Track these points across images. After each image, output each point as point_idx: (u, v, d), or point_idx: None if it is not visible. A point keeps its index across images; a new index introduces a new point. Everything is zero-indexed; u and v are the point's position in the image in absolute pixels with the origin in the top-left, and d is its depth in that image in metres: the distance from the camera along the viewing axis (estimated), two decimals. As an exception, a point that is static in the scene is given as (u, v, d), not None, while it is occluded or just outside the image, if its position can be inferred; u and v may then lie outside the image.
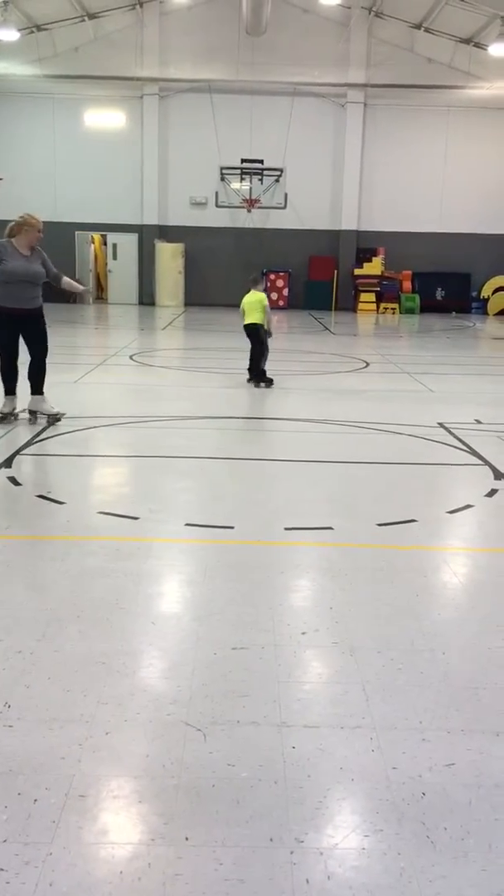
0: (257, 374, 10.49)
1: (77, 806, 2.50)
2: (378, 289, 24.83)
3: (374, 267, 24.74)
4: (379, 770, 2.71)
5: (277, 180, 23.76)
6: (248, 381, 10.55)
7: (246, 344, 10.67)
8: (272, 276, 24.92)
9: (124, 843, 2.36)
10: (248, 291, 10.58)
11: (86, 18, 22.93)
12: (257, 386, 10.41)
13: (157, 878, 2.23)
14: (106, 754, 2.76)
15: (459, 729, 2.97)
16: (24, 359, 7.91)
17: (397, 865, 2.30)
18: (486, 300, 25.08)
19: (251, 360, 10.57)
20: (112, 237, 25.58)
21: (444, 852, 2.35)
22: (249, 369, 10.60)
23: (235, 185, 23.86)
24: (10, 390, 7.91)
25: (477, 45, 22.68)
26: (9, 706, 3.02)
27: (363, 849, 2.36)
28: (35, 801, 2.52)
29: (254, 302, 10.42)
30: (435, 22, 22.46)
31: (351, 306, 25.06)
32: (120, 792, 2.58)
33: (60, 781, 2.61)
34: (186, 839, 2.37)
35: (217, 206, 24.05)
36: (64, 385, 10.34)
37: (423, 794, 2.60)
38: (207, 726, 2.93)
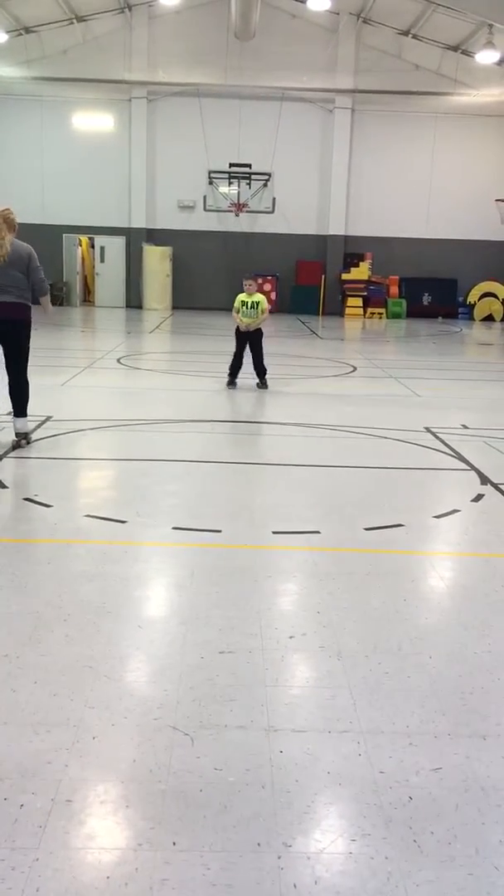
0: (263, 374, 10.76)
1: (64, 811, 2.49)
2: (365, 294, 24.92)
3: (362, 272, 24.83)
4: (366, 774, 2.72)
5: (265, 185, 23.81)
6: (260, 385, 10.73)
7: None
8: (259, 280, 24.92)
9: (111, 848, 2.35)
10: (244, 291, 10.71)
11: (74, 21, 22.90)
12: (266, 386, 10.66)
13: (145, 882, 2.23)
14: (93, 759, 2.75)
15: (446, 733, 2.97)
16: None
17: (384, 870, 2.30)
18: (472, 306, 25.22)
19: (260, 362, 10.72)
20: (100, 240, 25.54)
21: (431, 857, 2.36)
22: (259, 372, 10.77)
23: (223, 188, 23.88)
24: None
25: (464, 53, 22.82)
26: (-5, 710, 3.00)
27: (350, 853, 2.36)
28: (21, 805, 2.51)
29: (261, 302, 10.63)
30: (423, 29, 22.59)
31: (338, 311, 25.13)
32: (107, 797, 2.57)
33: (47, 786, 2.60)
34: (174, 844, 2.37)
35: (205, 209, 24.08)
36: (51, 388, 10.31)
37: (411, 798, 2.61)
38: (195, 730, 2.92)
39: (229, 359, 10.88)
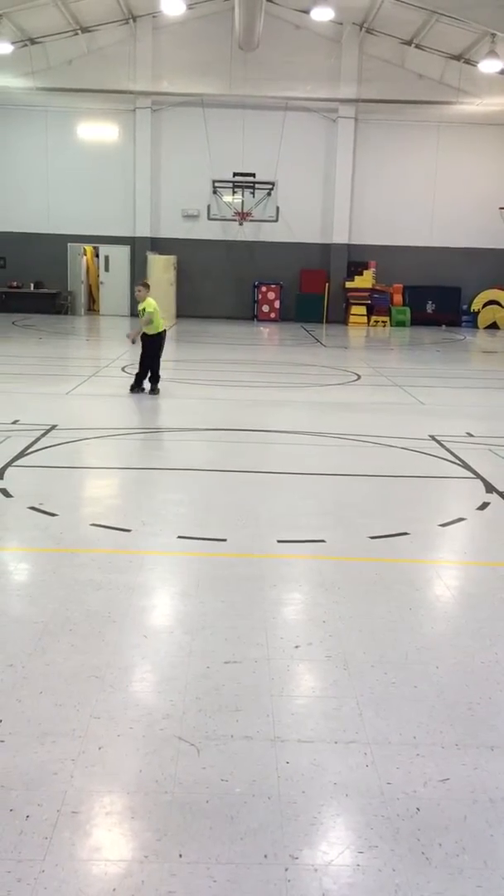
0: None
1: (70, 822, 2.48)
2: (369, 302, 24.93)
3: (366, 280, 24.85)
4: (373, 785, 2.70)
5: (269, 194, 23.86)
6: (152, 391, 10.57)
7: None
8: (263, 289, 25.00)
9: (117, 860, 2.34)
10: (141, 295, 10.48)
11: (79, 32, 23.03)
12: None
13: (151, 895, 2.21)
14: (99, 769, 2.74)
15: (454, 743, 2.96)
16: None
17: (392, 882, 2.28)
18: (476, 313, 25.21)
19: (156, 368, 10.60)
20: (104, 249, 25.61)
21: (439, 868, 2.34)
22: (152, 378, 10.62)
23: (227, 198, 23.94)
24: None
25: (467, 62, 22.88)
26: (0, 721, 2.99)
27: (358, 865, 2.34)
28: (27, 817, 2.49)
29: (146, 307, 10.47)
30: (426, 38, 22.66)
31: (342, 319, 25.14)
32: (113, 808, 2.56)
33: (53, 797, 2.58)
34: (180, 856, 2.35)
35: (209, 218, 24.12)
36: (55, 396, 10.33)
37: (418, 809, 2.59)
38: (201, 741, 2.91)
39: (234, 367, 10.87)
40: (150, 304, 10.43)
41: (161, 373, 10.69)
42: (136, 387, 10.59)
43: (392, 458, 7.67)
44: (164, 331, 10.68)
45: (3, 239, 24.56)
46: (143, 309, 10.45)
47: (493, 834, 2.49)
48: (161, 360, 10.70)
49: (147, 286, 10.65)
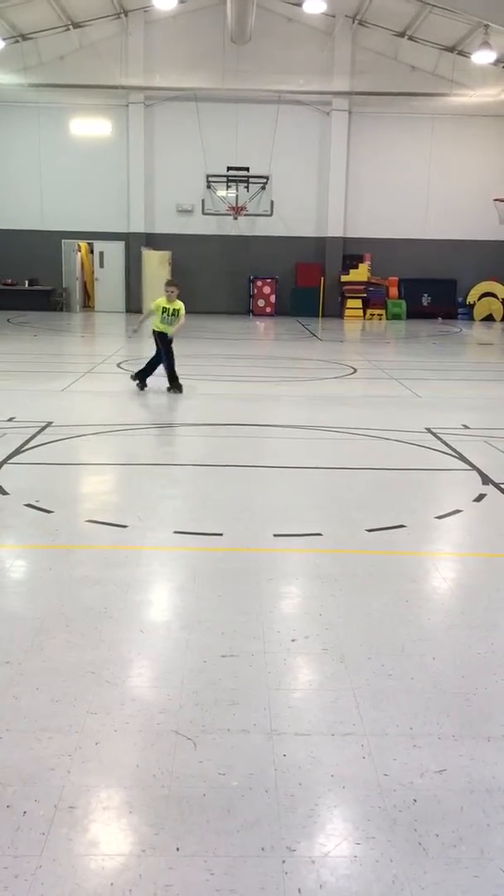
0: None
1: (67, 818, 2.48)
2: (364, 295, 24.90)
3: (361, 273, 24.81)
4: (370, 777, 2.71)
5: (263, 188, 23.81)
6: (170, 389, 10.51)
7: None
8: (259, 283, 24.96)
9: (115, 855, 2.34)
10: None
11: (70, 27, 22.93)
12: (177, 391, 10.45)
13: (149, 889, 2.21)
14: (95, 765, 2.74)
15: (450, 735, 2.96)
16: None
17: (389, 873, 2.29)
18: (471, 306, 25.20)
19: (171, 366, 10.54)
20: (99, 245, 25.55)
21: (436, 859, 2.35)
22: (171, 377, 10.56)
23: (221, 192, 23.88)
24: None
25: (460, 54, 22.82)
26: (-3, 717, 2.99)
27: (355, 857, 2.35)
28: (24, 813, 2.50)
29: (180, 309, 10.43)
30: (419, 30, 22.59)
31: (338, 313, 25.10)
32: (110, 802, 2.56)
33: (50, 793, 2.59)
34: (177, 849, 2.36)
35: (203, 213, 24.07)
36: (51, 393, 10.32)
37: (415, 800, 2.59)
38: (198, 735, 2.91)
39: (230, 362, 10.86)
40: (182, 305, 10.46)
41: (162, 369, 10.64)
42: (173, 386, 10.45)
43: (388, 450, 7.67)
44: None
45: (-2, 236, 24.52)
46: (178, 310, 10.40)
47: (490, 824, 2.50)
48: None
49: (178, 286, 10.64)
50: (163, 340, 10.43)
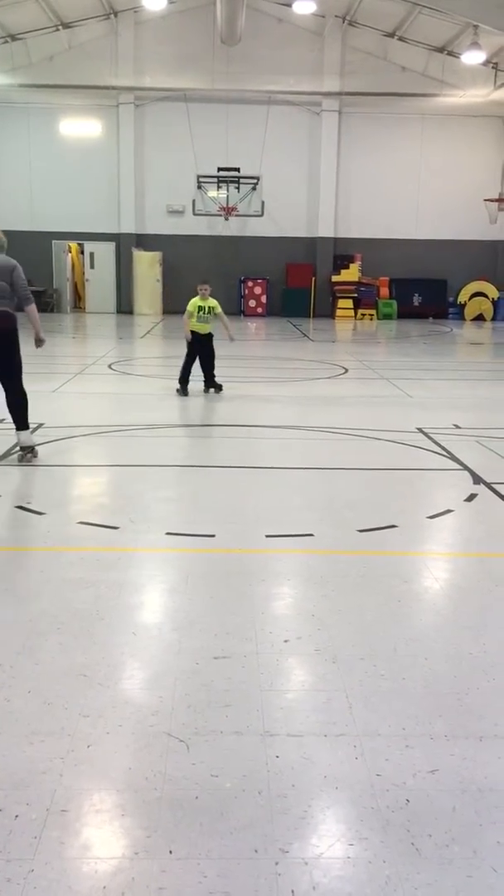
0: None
1: (59, 821, 2.47)
2: (355, 295, 24.94)
3: (352, 273, 24.85)
4: (363, 778, 2.71)
5: (254, 188, 23.83)
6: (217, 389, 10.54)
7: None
8: (250, 284, 24.95)
9: (107, 858, 2.33)
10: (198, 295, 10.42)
11: (60, 28, 22.88)
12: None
13: (142, 892, 2.21)
14: (88, 767, 2.73)
15: (443, 735, 2.97)
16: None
17: (383, 874, 2.29)
18: (462, 306, 25.26)
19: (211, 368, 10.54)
20: (89, 246, 25.51)
21: (429, 859, 2.35)
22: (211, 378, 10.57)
23: (212, 193, 23.89)
24: None
25: (450, 54, 22.88)
26: (-12, 721, 2.98)
27: (348, 857, 2.35)
28: (16, 816, 2.49)
29: (215, 307, 10.42)
30: (408, 31, 22.64)
31: (329, 313, 25.14)
32: (102, 805, 2.55)
33: (42, 796, 2.58)
34: (170, 852, 2.35)
35: (194, 214, 24.07)
36: (42, 394, 10.28)
37: (408, 801, 2.60)
38: (190, 737, 2.91)
39: (220, 363, 10.86)
40: (215, 302, 10.43)
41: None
42: (212, 385, 10.45)
43: (380, 451, 7.67)
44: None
45: (-13, 237, 24.40)
46: (213, 307, 10.36)
47: (482, 824, 2.50)
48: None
49: (209, 283, 10.62)
50: (200, 340, 10.40)
